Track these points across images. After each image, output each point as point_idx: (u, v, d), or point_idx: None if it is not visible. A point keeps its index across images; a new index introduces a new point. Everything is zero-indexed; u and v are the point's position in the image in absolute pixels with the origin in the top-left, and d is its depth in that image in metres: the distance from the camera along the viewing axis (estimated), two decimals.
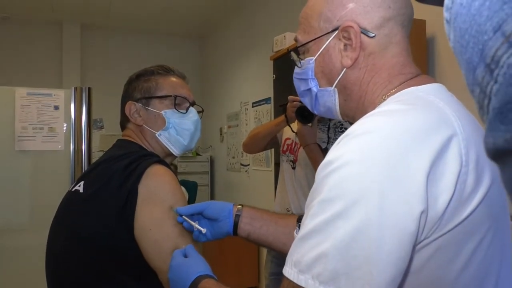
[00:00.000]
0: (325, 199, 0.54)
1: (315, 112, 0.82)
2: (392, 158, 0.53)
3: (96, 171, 1.10)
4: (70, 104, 1.93)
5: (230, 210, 0.99)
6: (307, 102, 0.81)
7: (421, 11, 1.69)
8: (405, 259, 0.53)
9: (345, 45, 0.71)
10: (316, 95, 0.77)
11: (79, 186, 1.09)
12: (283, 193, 2.05)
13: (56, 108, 1.94)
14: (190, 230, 0.99)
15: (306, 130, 1.76)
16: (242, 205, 1.02)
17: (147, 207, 0.99)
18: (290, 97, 1.86)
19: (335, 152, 0.57)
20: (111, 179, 1.03)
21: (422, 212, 0.52)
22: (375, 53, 0.70)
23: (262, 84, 4.02)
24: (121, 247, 0.99)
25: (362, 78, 0.71)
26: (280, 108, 2.00)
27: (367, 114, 0.61)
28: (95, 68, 5.52)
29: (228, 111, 5.07)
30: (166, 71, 1.21)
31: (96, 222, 1.01)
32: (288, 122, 1.91)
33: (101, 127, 5.32)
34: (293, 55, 0.80)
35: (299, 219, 0.97)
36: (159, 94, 1.17)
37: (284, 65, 3.01)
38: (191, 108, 1.21)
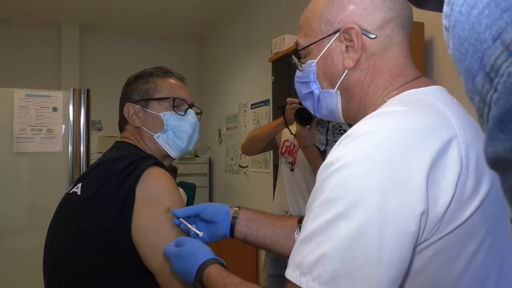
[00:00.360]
0: (326, 201, 0.55)
1: (317, 115, 0.81)
2: (392, 159, 0.53)
3: (94, 173, 1.10)
4: (69, 105, 1.93)
5: (227, 212, 0.99)
6: (309, 105, 0.81)
7: (420, 14, 1.70)
8: (406, 259, 0.53)
9: (346, 46, 0.71)
10: (318, 97, 0.77)
11: (77, 188, 1.09)
12: (281, 195, 2.05)
13: (55, 109, 1.94)
14: (187, 232, 0.99)
15: (304, 132, 1.76)
16: (239, 207, 1.01)
17: (145, 209, 0.99)
18: (289, 99, 1.86)
19: (336, 153, 0.57)
20: (109, 181, 1.03)
21: (422, 213, 0.52)
22: (376, 54, 0.70)
23: (261, 86, 4.03)
24: (119, 249, 0.99)
25: (363, 79, 0.71)
26: (279, 110, 2.01)
27: (368, 116, 0.61)
28: (93, 70, 5.52)
29: (226, 113, 5.07)
30: (165, 72, 1.21)
31: (94, 224, 1.01)
32: (286, 124, 1.91)
33: (100, 129, 5.31)
34: (294, 59, 0.80)
35: (300, 221, 0.96)
36: (158, 96, 1.17)
37: (282, 67, 3.02)
38: (189, 110, 1.21)
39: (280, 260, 1.86)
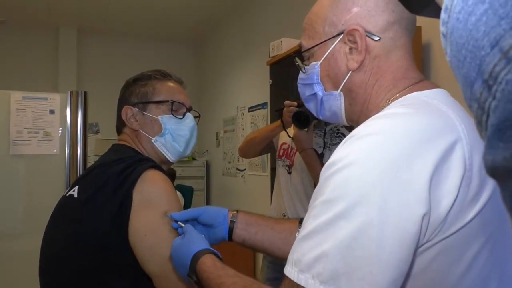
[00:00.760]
0: (328, 200, 0.55)
1: (320, 117, 0.81)
2: (395, 160, 0.53)
3: (91, 176, 1.10)
4: (66, 108, 1.93)
5: (225, 216, 0.99)
6: (312, 107, 0.81)
7: (417, 18, 1.70)
8: (407, 260, 0.53)
9: (350, 48, 0.71)
10: (321, 99, 0.77)
11: (74, 190, 1.09)
12: (279, 198, 2.05)
13: (52, 112, 1.93)
14: None
15: (302, 135, 1.76)
16: (237, 211, 1.01)
17: (142, 213, 0.98)
18: (287, 102, 1.86)
19: (339, 153, 0.57)
20: (106, 184, 1.02)
21: (424, 215, 0.52)
22: (380, 56, 0.71)
23: (259, 89, 4.03)
24: (116, 252, 0.98)
25: (367, 81, 0.72)
26: (277, 113, 2.01)
27: (372, 117, 0.61)
28: (91, 72, 5.51)
29: (224, 116, 5.07)
30: (164, 75, 1.21)
31: (91, 226, 1.00)
32: (284, 127, 1.91)
33: (97, 132, 5.30)
34: (298, 61, 0.80)
35: (301, 222, 0.96)
36: (156, 99, 1.17)
37: (280, 70, 3.02)
38: (188, 114, 1.21)
39: (278, 263, 1.85)
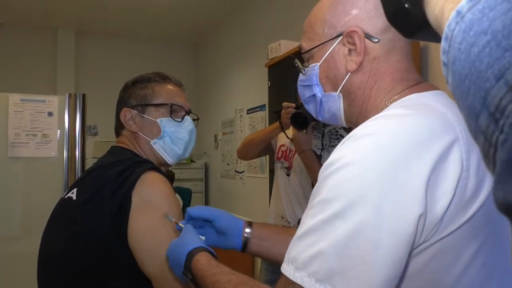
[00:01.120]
0: (325, 199, 0.55)
1: (320, 119, 0.82)
2: (392, 161, 0.53)
3: (90, 178, 1.10)
4: (64, 110, 1.92)
5: (240, 228, 0.99)
6: (311, 109, 0.82)
7: None
8: (402, 261, 0.53)
9: (349, 50, 0.72)
10: (320, 100, 0.78)
11: (72, 193, 1.09)
12: (277, 200, 2.04)
13: (50, 114, 1.93)
14: None
15: (302, 137, 1.76)
16: (252, 223, 1.01)
17: (141, 214, 0.98)
18: (285, 104, 1.87)
19: (337, 153, 0.58)
20: (104, 186, 1.02)
21: (420, 215, 0.52)
22: (379, 58, 0.71)
23: (257, 91, 4.03)
24: (115, 254, 0.98)
25: (366, 83, 0.72)
26: (275, 114, 2.01)
27: (371, 118, 0.62)
28: (89, 75, 5.51)
29: (222, 118, 5.07)
30: (163, 78, 1.21)
31: (90, 228, 1.00)
32: (282, 129, 1.92)
33: (95, 134, 5.29)
34: (298, 62, 0.81)
35: None
36: (155, 102, 1.17)
37: (279, 72, 3.03)
38: (186, 116, 1.21)
39: (276, 266, 1.85)
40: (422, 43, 2.12)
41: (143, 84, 1.19)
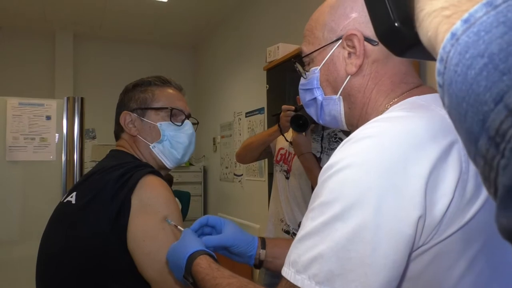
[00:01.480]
0: (325, 202, 0.55)
1: (321, 122, 0.82)
2: (391, 163, 0.53)
3: (89, 182, 1.09)
4: (62, 114, 1.92)
5: (254, 251, 0.98)
6: (312, 112, 0.82)
7: None
8: (401, 263, 0.53)
9: (349, 53, 0.73)
10: (321, 104, 0.78)
11: (71, 197, 1.08)
12: (276, 204, 2.04)
13: (48, 118, 1.92)
14: None
15: (301, 140, 1.76)
16: (265, 242, 1.00)
17: (141, 218, 0.98)
18: (284, 106, 1.87)
19: (337, 155, 0.58)
20: (103, 190, 1.02)
21: (419, 218, 0.52)
22: (378, 61, 0.72)
23: (256, 94, 4.04)
24: (114, 258, 0.98)
25: (366, 85, 0.73)
26: (274, 117, 2.01)
27: (371, 120, 0.62)
28: (87, 78, 5.51)
29: (221, 121, 5.07)
30: (163, 82, 1.21)
31: (89, 232, 0.99)
32: (281, 132, 1.91)
33: (94, 137, 5.29)
34: (298, 67, 0.82)
35: None
36: (155, 105, 1.17)
37: (277, 76, 3.03)
38: (186, 121, 1.21)
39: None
40: None
41: (144, 87, 1.19)
